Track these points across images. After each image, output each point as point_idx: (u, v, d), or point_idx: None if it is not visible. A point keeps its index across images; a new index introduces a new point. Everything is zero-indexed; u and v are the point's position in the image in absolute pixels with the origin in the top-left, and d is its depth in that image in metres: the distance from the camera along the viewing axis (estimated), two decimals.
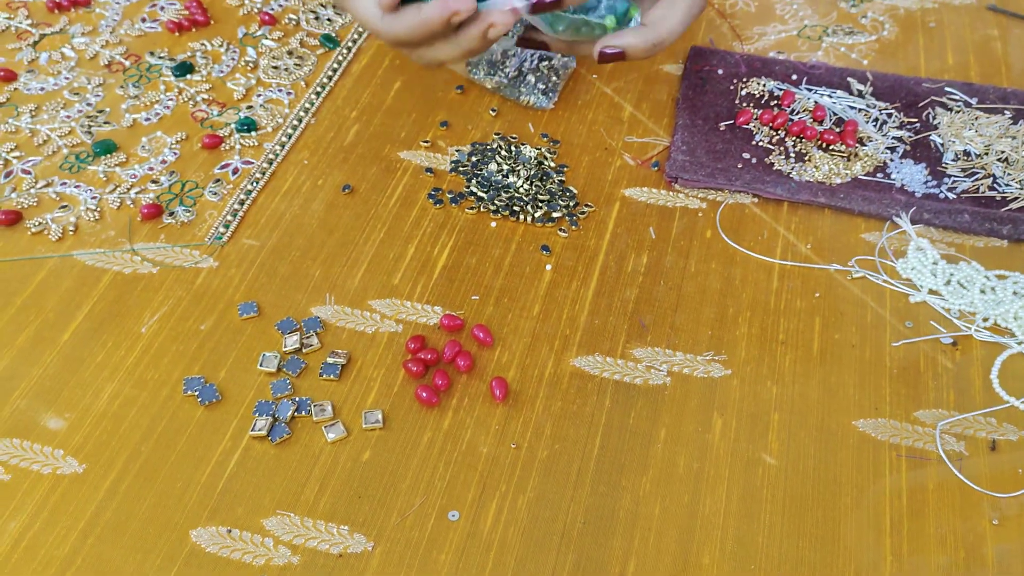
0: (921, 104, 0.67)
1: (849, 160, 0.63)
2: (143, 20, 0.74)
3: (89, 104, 0.67)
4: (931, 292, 0.56)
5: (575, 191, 0.63)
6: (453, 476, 0.49)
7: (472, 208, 0.62)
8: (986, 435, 0.50)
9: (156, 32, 0.74)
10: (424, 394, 0.51)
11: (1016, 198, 0.60)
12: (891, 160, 0.63)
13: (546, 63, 0.69)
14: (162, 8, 0.75)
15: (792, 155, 0.64)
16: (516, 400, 0.52)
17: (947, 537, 0.46)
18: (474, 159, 0.65)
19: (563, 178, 0.64)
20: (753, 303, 0.56)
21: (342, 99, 0.69)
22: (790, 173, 0.62)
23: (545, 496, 0.48)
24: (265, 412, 0.51)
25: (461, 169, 0.64)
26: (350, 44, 0.73)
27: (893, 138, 0.64)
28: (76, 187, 0.62)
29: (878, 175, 0.62)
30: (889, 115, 0.66)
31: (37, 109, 0.67)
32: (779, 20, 0.77)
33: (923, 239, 0.58)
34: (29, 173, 0.62)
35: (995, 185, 0.61)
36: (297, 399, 0.51)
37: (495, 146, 0.66)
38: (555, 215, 0.61)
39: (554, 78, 0.69)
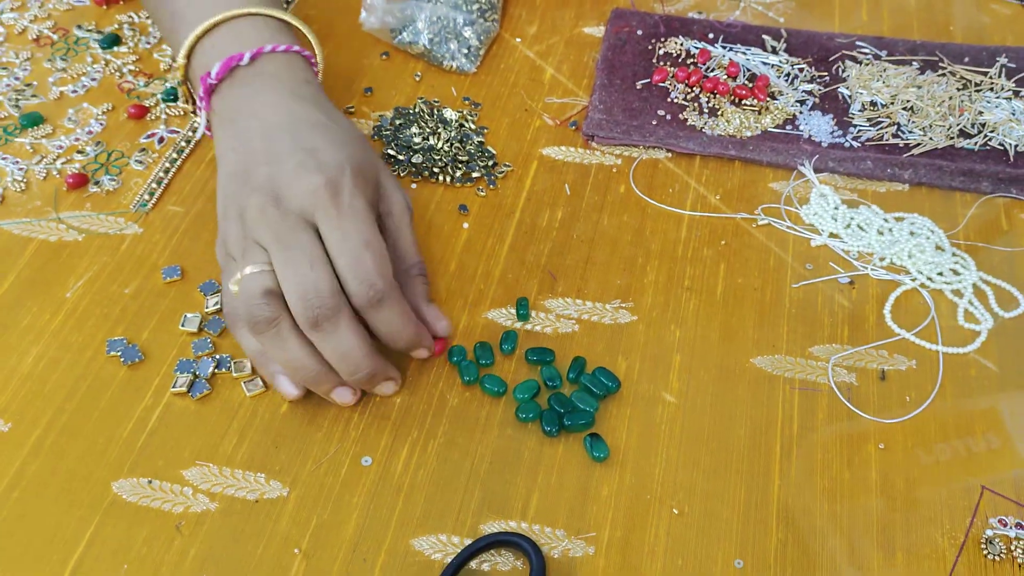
0: (832, 59, 0.69)
1: (760, 114, 0.65)
2: None
3: (17, 78, 0.68)
4: (831, 235, 0.58)
5: (494, 152, 0.65)
6: (367, 425, 0.50)
7: (393, 170, 0.63)
8: (877, 366, 0.52)
9: (84, 6, 0.74)
10: None
11: (919, 144, 0.62)
12: (800, 113, 0.65)
13: (468, 28, 0.71)
14: None
15: (706, 111, 0.65)
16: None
17: (832, 461, 0.48)
18: (397, 123, 0.66)
19: (483, 139, 0.65)
20: (661, 252, 0.58)
21: None
22: (703, 128, 0.64)
23: (455, 441, 0.50)
24: (186, 370, 0.52)
25: (384, 133, 0.66)
26: None
27: (803, 92, 0.66)
28: (3, 159, 0.63)
29: (787, 127, 0.64)
30: (801, 70, 0.68)
31: None
32: None
33: (826, 186, 0.60)
34: None
35: (899, 133, 0.63)
36: (217, 356, 0.53)
37: (417, 110, 0.67)
38: (474, 175, 0.63)
39: (475, 42, 0.71)
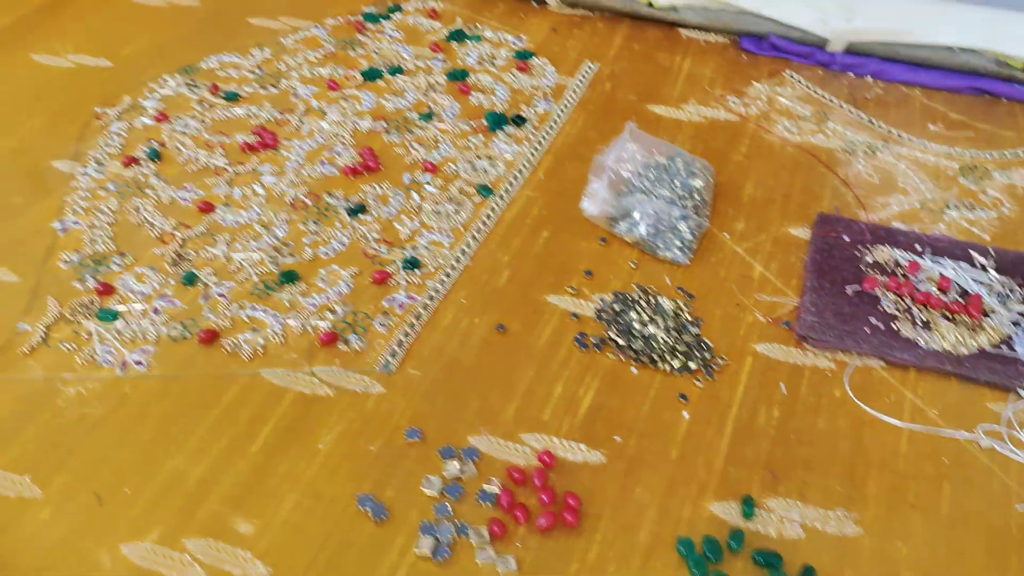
0: None
1: (974, 331, 0.67)
2: (322, 163, 0.84)
3: (276, 237, 0.76)
4: None
5: (711, 344, 0.68)
6: None
7: (614, 354, 0.67)
8: None
9: (333, 175, 0.83)
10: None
11: None
12: (1016, 334, 0.66)
13: (683, 222, 0.76)
14: (338, 153, 0.85)
15: (918, 323, 0.68)
16: (658, 539, 0.56)
17: None
18: (616, 307, 0.71)
19: (699, 331, 0.69)
20: (882, 463, 0.60)
21: (496, 244, 0.77)
22: (917, 340, 0.66)
23: None
24: (428, 532, 0.56)
25: (604, 316, 0.70)
26: (503, 194, 0.81)
27: (1017, 313, 0.68)
28: (263, 311, 0.70)
29: (1003, 347, 0.66)
30: (1012, 290, 0.70)
31: (232, 239, 0.76)
32: (901, 191, 0.82)
33: None
34: (224, 297, 0.71)
35: None
36: (458, 522, 0.57)
37: (636, 296, 0.72)
38: (691, 366, 0.66)
39: (689, 236, 0.75)
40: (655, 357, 0.67)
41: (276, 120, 0.89)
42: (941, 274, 0.71)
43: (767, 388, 0.65)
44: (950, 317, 0.68)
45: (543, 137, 0.88)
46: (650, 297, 0.72)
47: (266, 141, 0.86)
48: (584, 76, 0.96)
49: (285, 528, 0.56)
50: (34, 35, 1.00)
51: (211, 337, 0.67)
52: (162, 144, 0.85)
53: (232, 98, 0.91)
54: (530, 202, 0.81)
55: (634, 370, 0.67)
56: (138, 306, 0.70)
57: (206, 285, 0.72)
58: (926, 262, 0.72)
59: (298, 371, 0.66)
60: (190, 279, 0.72)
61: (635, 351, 0.67)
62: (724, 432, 0.62)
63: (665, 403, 0.64)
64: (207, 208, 0.79)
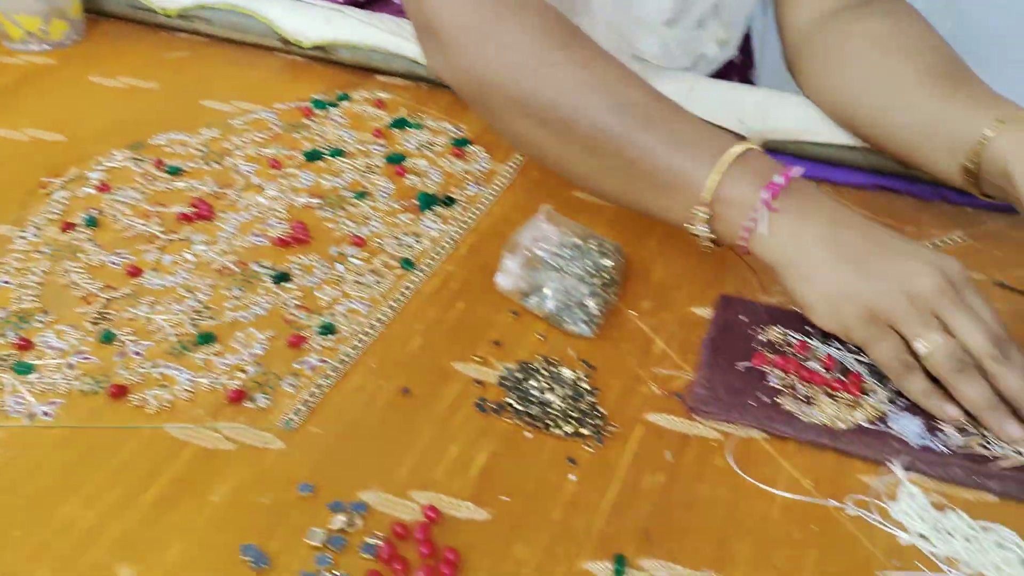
0: None
1: (853, 408, 0.70)
2: (254, 235, 0.88)
3: (198, 300, 0.79)
4: (920, 536, 0.61)
5: (604, 412, 0.71)
6: None
7: (511, 419, 0.70)
8: None
9: (264, 245, 0.87)
10: None
11: (1006, 458, 0.66)
12: (891, 412, 0.70)
13: (591, 299, 0.79)
14: (271, 226, 0.89)
15: (801, 398, 0.71)
16: None
17: None
18: (518, 375, 0.74)
19: (595, 399, 0.72)
20: (754, 529, 0.62)
21: (411, 314, 0.80)
22: (798, 414, 0.69)
23: None
24: None
25: (506, 383, 0.73)
26: (424, 267, 0.85)
27: (894, 391, 0.71)
28: (176, 369, 0.72)
29: (878, 424, 0.69)
30: None
31: (155, 302, 0.79)
32: None
33: (915, 486, 0.64)
34: (140, 354, 0.74)
35: (987, 444, 0.67)
36: (336, 573, 0.58)
37: (537, 365, 0.75)
38: (583, 432, 0.69)
39: (595, 311, 0.79)
40: (549, 422, 0.70)
41: (215, 193, 0.93)
42: (828, 354, 0.75)
43: (654, 455, 0.68)
44: (831, 394, 0.71)
45: (470, 217, 0.93)
46: (552, 367, 0.75)
47: (202, 212, 0.90)
48: (515, 163, 1.01)
49: (166, 575, 0.58)
50: None
51: (121, 392, 0.70)
52: (101, 212, 0.89)
53: (175, 172, 0.96)
54: (449, 276, 0.85)
55: (528, 434, 0.69)
56: (53, 361, 0.72)
57: (123, 343, 0.74)
58: (814, 342, 0.76)
59: (201, 426, 0.68)
60: (108, 337, 0.75)
61: (531, 416, 0.70)
62: (607, 495, 0.64)
63: (554, 466, 0.67)
64: (135, 272, 0.82)
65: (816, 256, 0.68)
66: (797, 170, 0.70)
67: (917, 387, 0.68)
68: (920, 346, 0.65)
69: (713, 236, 0.75)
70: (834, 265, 0.67)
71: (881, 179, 0.99)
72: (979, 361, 0.65)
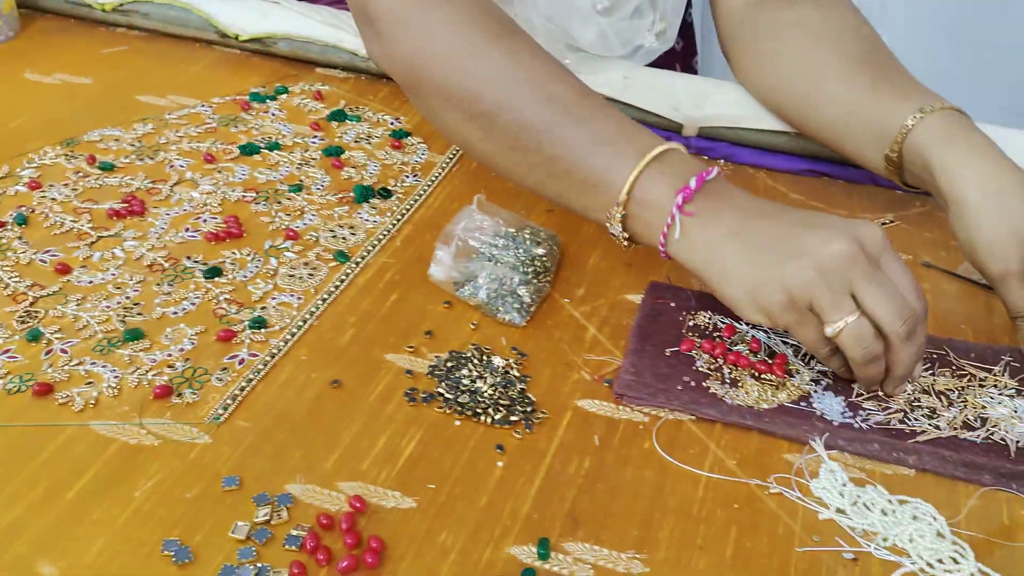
0: None
1: (777, 389, 0.71)
2: (186, 230, 0.87)
3: (127, 297, 0.79)
4: (838, 511, 0.62)
5: (534, 399, 0.71)
6: None
7: (440, 408, 0.70)
8: None
9: (196, 240, 0.86)
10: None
11: (924, 431, 0.67)
12: (815, 391, 0.71)
13: (523, 287, 0.80)
14: (204, 220, 0.89)
15: (727, 381, 0.72)
16: None
17: None
18: (449, 364, 0.74)
19: (525, 387, 0.72)
20: (678, 509, 0.63)
21: (344, 306, 0.80)
22: (724, 397, 0.70)
23: None
24: (229, 575, 0.57)
25: (436, 373, 0.73)
26: (359, 259, 0.85)
27: (818, 372, 0.73)
28: (103, 367, 0.72)
29: (801, 403, 0.70)
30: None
31: (83, 299, 0.78)
32: None
33: (835, 463, 0.65)
34: (66, 352, 0.73)
35: (906, 420, 0.68)
36: (259, 565, 0.58)
37: (469, 354, 0.75)
38: (512, 419, 0.69)
39: (528, 300, 0.80)
40: (479, 410, 0.70)
41: (147, 189, 0.92)
42: (753, 336, 0.76)
43: (583, 441, 0.68)
44: (757, 376, 0.72)
45: (406, 209, 0.93)
46: (484, 356, 0.75)
47: (134, 208, 0.89)
48: (453, 153, 1.01)
49: (88, 571, 0.57)
50: None
51: (46, 390, 0.69)
52: (31, 209, 0.88)
53: (107, 168, 0.95)
54: (384, 267, 0.85)
55: (457, 422, 0.69)
56: None
57: (50, 341, 0.74)
58: (742, 326, 0.77)
59: (126, 423, 0.67)
60: (35, 336, 0.74)
61: (460, 404, 0.70)
62: (535, 481, 0.65)
63: (482, 453, 0.67)
64: (65, 270, 0.81)
65: (729, 251, 0.67)
66: (713, 171, 0.70)
67: (841, 366, 0.69)
68: (829, 330, 0.65)
69: (628, 236, 0.74)
70: (747, 256, 0.66)
71: (814, 164, 1.00)
72: (886, 337, 0.65)
